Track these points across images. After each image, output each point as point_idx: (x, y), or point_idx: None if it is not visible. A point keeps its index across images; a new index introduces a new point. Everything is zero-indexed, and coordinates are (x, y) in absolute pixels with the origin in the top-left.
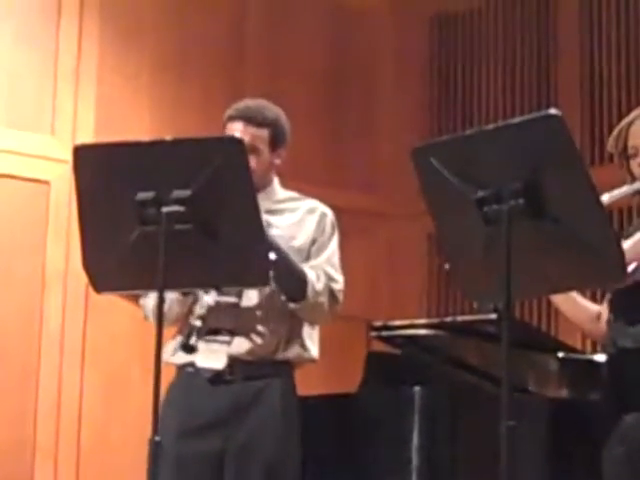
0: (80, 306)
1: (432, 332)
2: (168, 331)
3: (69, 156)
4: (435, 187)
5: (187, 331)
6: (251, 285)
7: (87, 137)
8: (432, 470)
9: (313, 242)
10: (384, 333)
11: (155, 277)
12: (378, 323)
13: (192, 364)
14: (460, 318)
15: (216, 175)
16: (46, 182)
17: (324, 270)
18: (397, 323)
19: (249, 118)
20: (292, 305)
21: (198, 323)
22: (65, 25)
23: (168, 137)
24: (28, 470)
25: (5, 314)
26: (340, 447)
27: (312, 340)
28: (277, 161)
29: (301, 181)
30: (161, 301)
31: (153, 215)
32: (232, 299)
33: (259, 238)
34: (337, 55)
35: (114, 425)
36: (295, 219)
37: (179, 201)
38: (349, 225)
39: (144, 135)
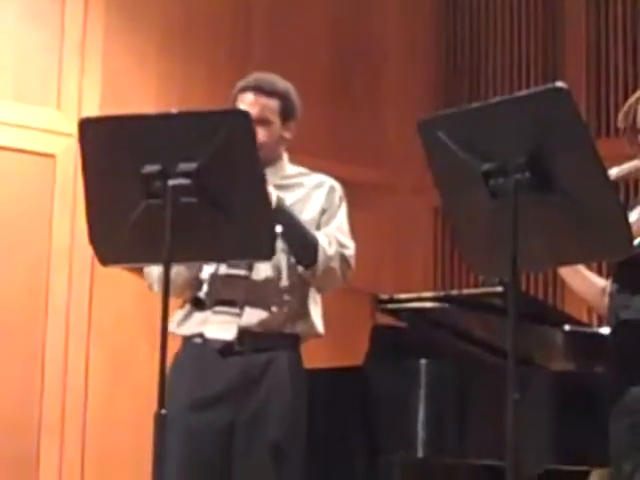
0: (86, 281)
1: (438, 305)
2: (175, 303)
3: (75, 130)
4: (441, 160)
5: (196, 286)
6: (256, 258)
7: (93, 111)
8: (438, 443)
9: (322, 213)
10: (390, 306)
11: (161, 250)
12: (384, 296)
13: (201, 335)
14: (466, 291)
15: (222, 148)
16: (52, 156)
17: (335, 237)
18: (403, 296)
19: (259, 88)
20: (304, 271)
21: (207, 278)
22: (71, 0)
23: (174, 110)
24: (34, 447)
25: (11, 289)
26: (346, 420)
27: (317, 316)
28: (287, 134)
29: (307, 155)
30: (167, 274)
31: (159, 188)
32: (242, 272)
33: (265, 211)
34: (344, 31)
35: (120, 402)
36: (303, 193)
37: (185, 174)
38: (355, 199)
39: (150, 109)
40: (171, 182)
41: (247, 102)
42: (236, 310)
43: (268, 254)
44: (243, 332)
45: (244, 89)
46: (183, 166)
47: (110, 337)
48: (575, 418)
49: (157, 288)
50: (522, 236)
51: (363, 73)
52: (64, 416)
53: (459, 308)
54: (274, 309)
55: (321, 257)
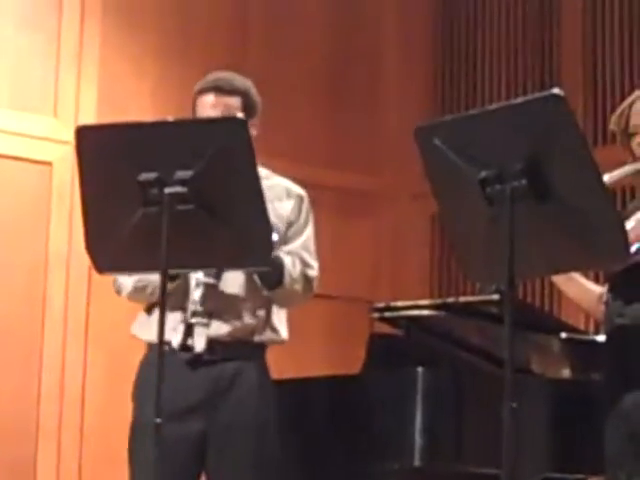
0: (83, 287)
1: (435, 313)
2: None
3: (72, 137)
4: (438, 167)
5: (185, 331)
6: (253, 265)
7: (90, 119)
8: (435, 451)
9: (289, 226)
10: (387, 314)
11: (157, 258)
12: (381, 304)
13: (168, 343)
14: (463, 299)
15: (218, 156)
16: (49, 163)
17: (299, 256)
18: (400, 304)
19: (219, 88)
20: (267, 292)
21: (194, 320)
22: (68, 7)
23: (170, 118)
24: (31, 451)
25: (9, 295)
26: (343, 428)
27: (281, 322)
28: (252, 131)
29: (304, 162)
30: (164, 282)
31: (155, 196)
32: (210, 280)
33: (262, 219)
34: (340, 36)
35: (117, 406)
36: (270, 199)
37: (181, 182)
38: (352, 206)
39: (147, 117)
40: (168, 190)
41: (208, 103)
42: (204, 320)
43: (265, 262)
44: (212, 342)
45: (204, 90)
46: (180, 174)
47: (107, 343)
48: (572, 426)
49: (125, 294)
50: (519, 244)
51: (360, 81)
52: (61, 421)
53: (456, 316)
54: (243, 319)
55: (287, 280)
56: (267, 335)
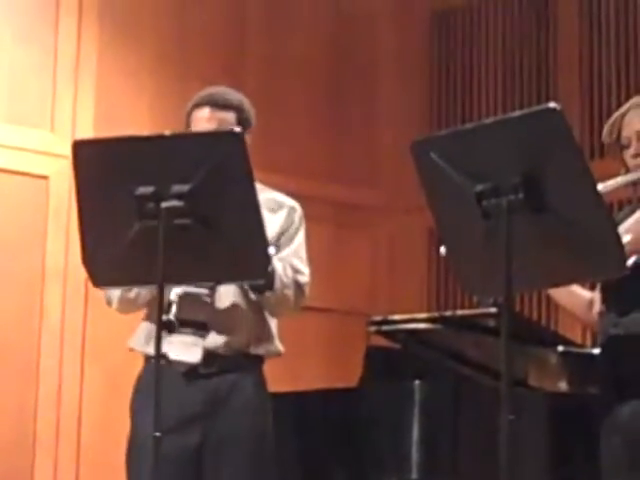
0: (80, 301)
1: (432, 326)
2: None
3: (68, 151)
4: (434, 181)
5: (165, 308)
6: (250, 279)
7: (86, 133)
8: (432, 465)
9: (281, 234)
10: (384, 327)
11: (154, 272)
12: (378, 317)
13: (164, 356)
14: (460, 312)
15: (215, 170)
16: (45, 177)
17: (290, 263)
18: (397, 317)
19: (215, 102)
20: (257, 297)
21: (175, 299)
22: (64, 21)
23: (167, 132)
24: (28, 465)
25: (5, 309)
26: (340, 441)
27: (275, 334)
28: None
29: (302, 176)
30: (161, 295)
31: (152, 210)
32: (204, 291)
33: (258, 233)
34: (337, 50)
35: (114, 421)
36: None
37: (178, 196)
38: (349, 220)
39: (144, 131)
40: (164, 204)
41: (203, 117)
42: (200, 332)
43: (262, 275)
44: (208, 354)
45: (198, 105)
46: (176, 188)
47: (104, 355)
48: (569, 439)
49: (116, 305)
50: (515, 257)
51: (357, 94)
52: (58, 434)
53: (453, 329)
54: (239, 330)
55: (277, 284)
56: (264, 347)
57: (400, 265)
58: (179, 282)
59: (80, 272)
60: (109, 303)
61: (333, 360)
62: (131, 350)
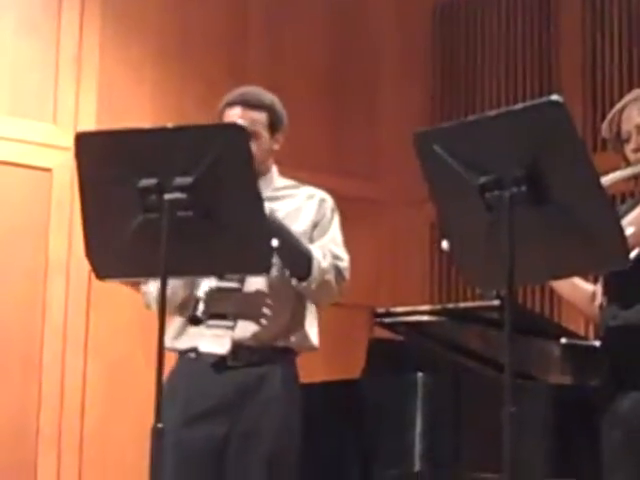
0: (83, 294)
1: (435, 318)
2: (169, 317)
3: (71, 143)
4: (437, 173)
5: (192, 304)
6: (253, 272)
7: (89, 125)
8: (435, 457)
9: (314, 226)
10: (387, 320)
11: (157, 264)
12: (381, 310)
13: (194, 349)
14: (463, 304)
15: (218, 162)
16: (48, 170)
17: (329, 249)
18: (400, 310)
19: (247, 102)
20: (299, 283)
21: (203, 295)
22: (66, 14)
23: (170, 124)
24: (31, 459)
25: (8, 302)
26: (343, 434)
27: (312, 328)
28: (276, 146)
29: (304, 169)
30: (164, 288)
31: (155, 202)
32: (234, 284)
33: (261, 225)
34: (340, 44)
35: (117, 414)
36: (294, 206)
37: (181, 188)
38: (352, 213)
39: (146, 123)
40: (167, 196)
41: (235, 116)
42: (229, 323)
43: (265, 268)
44: (237, 346)
45: (231, 104)
46: (179, 180)
47: (107, 349)
48: (572, 431)
49: (155, 308)
50: (518, 249)
51: (359, 87)
52: (61, 428)
53: (456, 321)
54: (267, 322)
55: (315, 269)
56: (294, 339)
57: (403, 258)
58: (182, 274)
59: (83, 265)
60: (148, 307)
61: (336, 352)
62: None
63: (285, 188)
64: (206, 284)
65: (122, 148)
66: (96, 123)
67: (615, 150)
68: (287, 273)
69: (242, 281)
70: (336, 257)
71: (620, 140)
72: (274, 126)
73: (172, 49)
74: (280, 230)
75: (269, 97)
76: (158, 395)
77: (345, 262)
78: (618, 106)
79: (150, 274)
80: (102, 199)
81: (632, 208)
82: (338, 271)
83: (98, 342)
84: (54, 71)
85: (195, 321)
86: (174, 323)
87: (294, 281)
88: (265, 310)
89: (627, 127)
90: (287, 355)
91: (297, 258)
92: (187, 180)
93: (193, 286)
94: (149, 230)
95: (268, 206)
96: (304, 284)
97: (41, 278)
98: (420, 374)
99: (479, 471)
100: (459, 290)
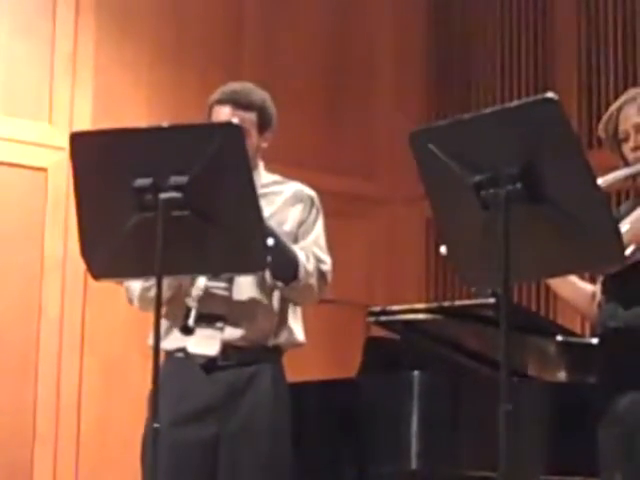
0: (79, 293)
1: (430, 317)
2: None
3: (66, 143)
4: (433, 171)
5: (184, 313)
6: (249, 271)
7: (84, 124)
8: (431, 455)
9: (300, 224)
10: (382, 318)
11: (153, 263)
12: (376, 308)
13: (183, 349)
14: (458, 302)
15: (213, 161)
16: (44, 169)
17: (312, 252)
18: (395, 308)
19: (236, 101)
20: (282, 286)
21: (194, 304)
22: (62, 13)
23: (165, 123)
24: (27, 457)
25: (4, 302)
26: (339, 433)
27: (298, 324)
28: (264, 144)
29: (299, 167)
30: (159, 287)
31: (150, 201)
32: (222, 284)
33: (257, 224)
34: (335, 41)
35: (113, 412)
36: (280, 204)
37: (176, 187)
38: (347, 210)
39: (142, 123)
40: (162, 195)
41: (224, 115)
42: (219, 324)
43: (260, 267)
44: (226, 346)
45: (220, 101)
46: (175, 179)
47: (103, 348)
48: (568, 429)
49: (137, 303)
50: (514, 247)
51: (354, 84)
52: (58, 426)
53: (452, 319)
54: (257, 323)
55: (302, 274)
56: (283, 338)
57: (398, 256)
58: (177, 274)
59: (79, 264)
60: (130, 302)
61: (332, 351)
62: (150, 348)
63: (271, 184)
64: (197, 289)
65: (117, 148)
66: (91, 123)
67: (611, 150)
68: (268, 279)
69: (230, 282)
70: (319, 260)
71: (617, 140)
72: (263, 125)
73: (167, 49)
74: (272, 237)
75: (259, 96)
76: (154, 395)
77: (328, 265)
78: (615, 106)
79: (145, 274)
80: (97, 199)
81: (633, 209)
82: (321, 274)
83: (94, 341)
84: (49, 70)
85: (187, 331)
86: (162, 324)
87: (278, 284)
88: (253, 312)
89: (625, 126)
90: (275, 353)
91: (285, 262)
92: (182, 179)
93: (176, 285)
94: (144, 230)
95: None
96: (287, 287)
97: (37, 277)
98: (416, 372)
99: (476, 469)
100: (455, 288)
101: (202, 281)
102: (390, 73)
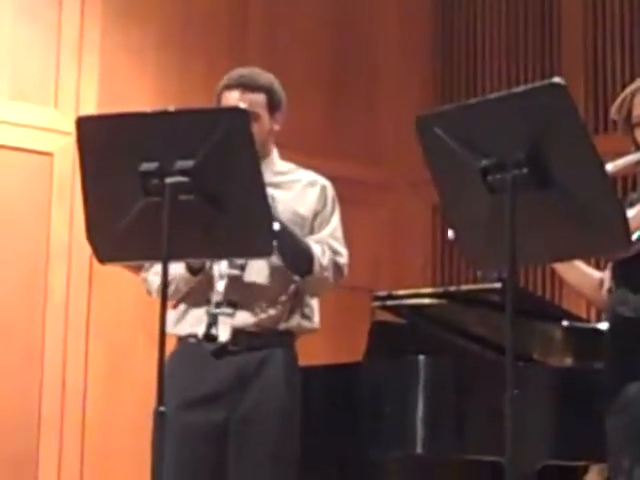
0: (84, 278)
1: (436, 301)
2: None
3: (72, 128)
4: (439, 156)
5: (209, 321)
6: (254, 256)
7: (90, 109)
8: (437, 439)
9: (315, 215)
10: (388, 302)
11: (159, 248)
12: (382, 293)
13: (195, 335)
14: (464, 287)
15: (220, 146)
16: (49, 154)
17: (328, 244)
18: (401, 292)
19: (244, 84)
20: (298, 279)
21: (218, 310)
22: None
23: (171, 108)
24: (33, 443)
25: (9, 287)
26: (345, 417)
27: (312, 309)
28: (276, 127)
29: (304, 153)
30: (165, 271)
31: (157, 186)
32: (235, 271)
33: (263, 209)
34: (340, 27)
35: (119, 398)
36: (296, 192)
37: (182, 172)
38: (352, 196)
39: (147, 107)
40: (169, 180)
41: (233, 99)
42: (229, 310)
43: (266, 252)
44: (237, 332)
45: (228, 87)
46: (181, 164)
47: (109, 334)
48: (574, 414)
49: (156, 295)
50: (520, 232)
51: (360, 70)
52: (63, 413)
53: (458, 304)
54: (268, 308)
55: (316, 268)
56: (295, 322)
57: (404, 240)
58: (183, 258)
59: (85, 249)
60: (149, 293)
61: (337, 335)
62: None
63: (286, 173)
64: (217, 294)
65: (123, 132)
66: (97, 107)
67: (623, 133)
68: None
69: (243, 268)
70: (335, 252)
71: (630, 124)
72: (273, 106)
73: (173, 33)
74: (283, 230)
75: (267, 78)
76: (160, 379)
77: (344, 258)
78: (630, 88)
79: (151, 258)
80: (103, 183)
81: None
82: (337, 267)
83: (100, 326)
84: (55, 55)
85: (211, 339)
86: (174, 309)
87: (295, 278)
88: (265, 297)
89: (638, 111)
90: (288, 338)
91: (299, 257)
92: (189, 164)
93: (195, 281)
94: (150, 214)
95: (270, 195)
96: (302, 280)
97: (43, 262)
98: (422, 357)
99: (481, 454)
100: (460, 272)
101: (221, 285)
102: (395, 58)
